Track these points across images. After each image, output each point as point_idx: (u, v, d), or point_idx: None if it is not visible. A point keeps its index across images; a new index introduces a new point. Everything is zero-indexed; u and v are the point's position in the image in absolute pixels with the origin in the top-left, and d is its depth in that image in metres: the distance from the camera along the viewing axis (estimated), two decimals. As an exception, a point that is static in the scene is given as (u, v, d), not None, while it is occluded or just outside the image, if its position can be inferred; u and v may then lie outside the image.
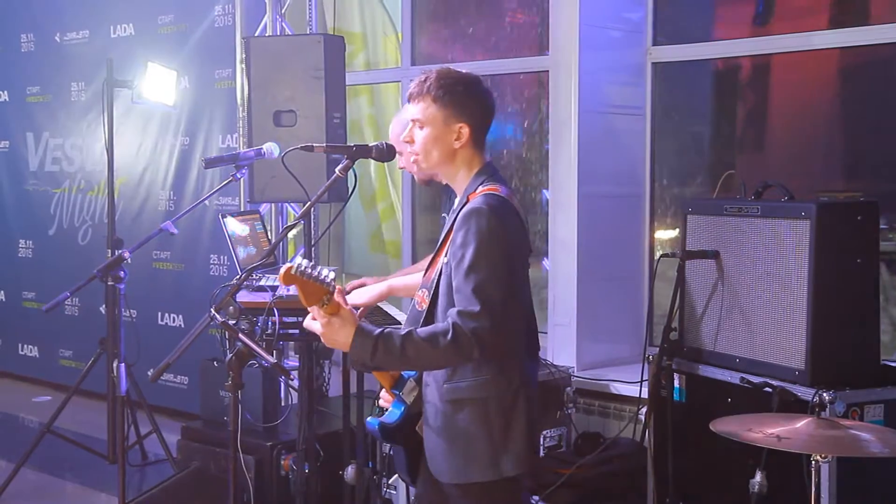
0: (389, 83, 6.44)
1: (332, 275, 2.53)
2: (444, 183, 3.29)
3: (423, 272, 2.87)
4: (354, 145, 2.97)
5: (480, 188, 2.72)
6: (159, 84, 5.38)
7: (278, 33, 5.63)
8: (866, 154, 5.14)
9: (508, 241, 2.66)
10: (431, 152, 2.75)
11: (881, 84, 4.91)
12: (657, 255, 5.08)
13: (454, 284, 2.63)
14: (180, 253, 6.33)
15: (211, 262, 6.15)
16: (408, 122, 3.00)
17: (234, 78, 5.86)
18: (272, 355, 3.02)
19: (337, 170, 2.93)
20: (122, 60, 6.06)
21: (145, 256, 6.34)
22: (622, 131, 5.04)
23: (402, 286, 3.28)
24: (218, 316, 2.82)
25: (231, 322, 2.87)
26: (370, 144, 2.97)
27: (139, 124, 6.53)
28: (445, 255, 2.70)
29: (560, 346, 4.88)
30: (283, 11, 5.71)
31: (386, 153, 2.97)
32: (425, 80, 2.75)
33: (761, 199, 3.66)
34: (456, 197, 2.83)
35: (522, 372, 2.76)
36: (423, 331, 2.61)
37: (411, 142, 2.78)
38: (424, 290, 2.79)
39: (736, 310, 3.64)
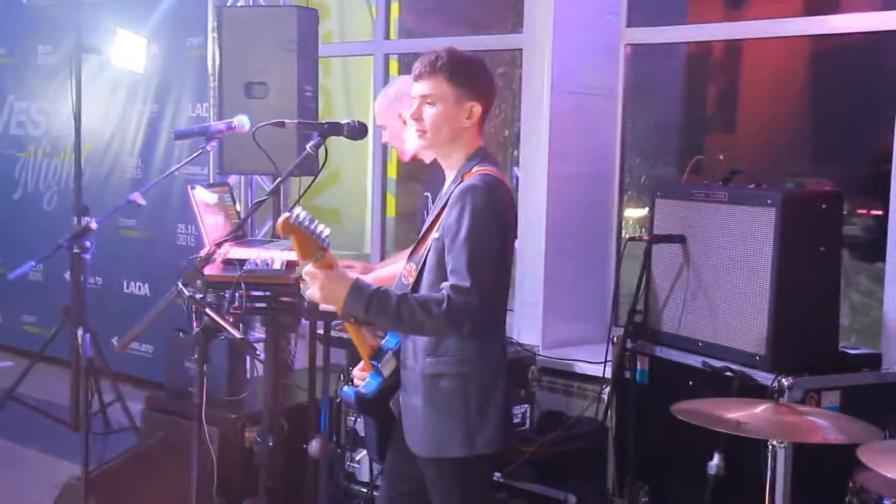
0: (361, 56, 6.43)
1: (327, 231, 2.55)
2: (428, 162, 3.29)
3: (412, 248, 2.89)
4: (326, 122, 2.97)
5: (476, 168, 2.75)
6: (129, 51, 5.32)
7: (251, 3, 5.58)
8: (834, 138, 5.22)
9: (503, 220, 2.70)
10: (441, 129, 2.76)
11: (851, 70, 4.97)
12: (625, 235, 5.15)
13: (448, 259, 2.65)
14: (147, 221, 6.28)
15: (178, 230, 6.12)
16: (393, 98, 3.00)
17: (205, 46, 5.80)
18: (239, 329, 3.02)
19: (308, 147, 2.93)
20: (91, 24, 5.98)
21: (111, 224, 6.25)
22: (594, 112, 5.05)
23: (388, 276, 3.29)
24: (185, 290, 2.81)
25: (198, 296, 2.86)
26: (342, 122, 2.97)
27: (107, 90, 6.45)
28: (437, 231, 2.72)
29: (526, 325, 4.92)
30: (256, -20, 5.65)
31: (358, 131, 2.97)
32: (437, 59, 2.76)
33: (729, 186, 3.69)
34: (445, 177, 2.84)
35: (502, 351, 2.82)
36: (419, 296, 2.65)
37: (419, 119, 2.77)
38: (413, 263, 2.82)
39: (700, 294, 3.68)
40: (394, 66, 6.28)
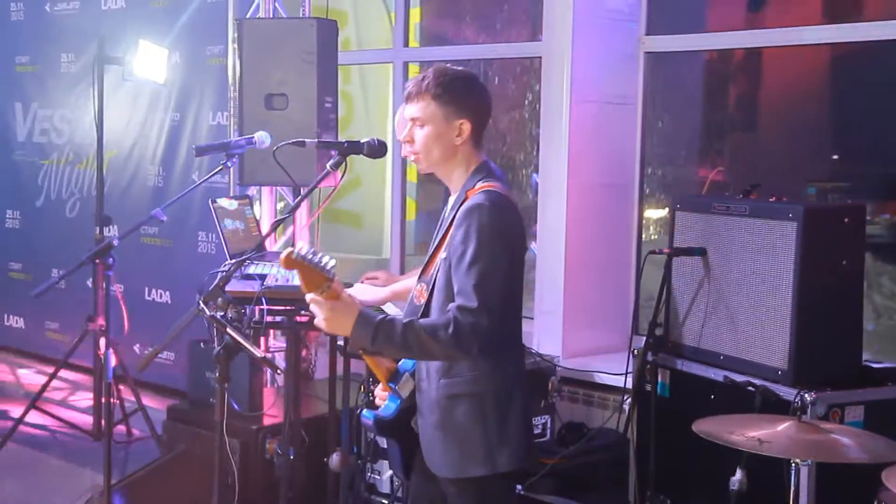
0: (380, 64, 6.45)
1: (332, 262, 2.55)
2: None
3: (422, 267, 2.89)
4: (346, 141, 2.99)
5: (480, 184, 2.73)
6: (150, 62, 5.34)
7: (271, 13, 5.59)
8: (854, 139, 5.19)
9: (509, 237, 2.68)
10: (432, 150, 2.75)
11: (870, 72, 4.94)
12: (645, 242, 5.14)
13: (454, 280, 2.64)
14: (168, 229, 6.27)
15: (199, 238, 6.13)
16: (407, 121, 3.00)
17: (225, 55, 5.81)
18: (260, 345, 3.03)
19: (328, 165, 2.94)
20: (113, 33, 6.01)
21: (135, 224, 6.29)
22: (613, 120, 5.04)
23: (404, 289, 3.30)
24: (206, 309, 2.83)
25: (219, 314, 2.87)
26: (362, 141, 2.98)
27: (129, 98, 6.47)
28: (444, 251, 2.72)
29: (546, 334, 4.91)
30: (276, -9, 5.65)
31: (377, 150, 2.98)
32: (423, 80, 2.75)
33: (749, 199, 3.68)
34: (451, 194, 2.84)
35: (518, 366, 2.81)
36: (424, 321, 2.64)
37: (411, 141, 2.77)
38: (423, 283, 2.81)
39: (721, 307, 3.66)
40: (414, 71, 6.29)
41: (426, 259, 2.86)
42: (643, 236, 5.21)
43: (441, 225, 2.81)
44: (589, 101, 4.93)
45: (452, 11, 6.73)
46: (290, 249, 2.49)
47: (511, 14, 6.20)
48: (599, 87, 4.97)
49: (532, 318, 4.94)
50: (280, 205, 5.80)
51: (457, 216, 2.69)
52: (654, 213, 5.37)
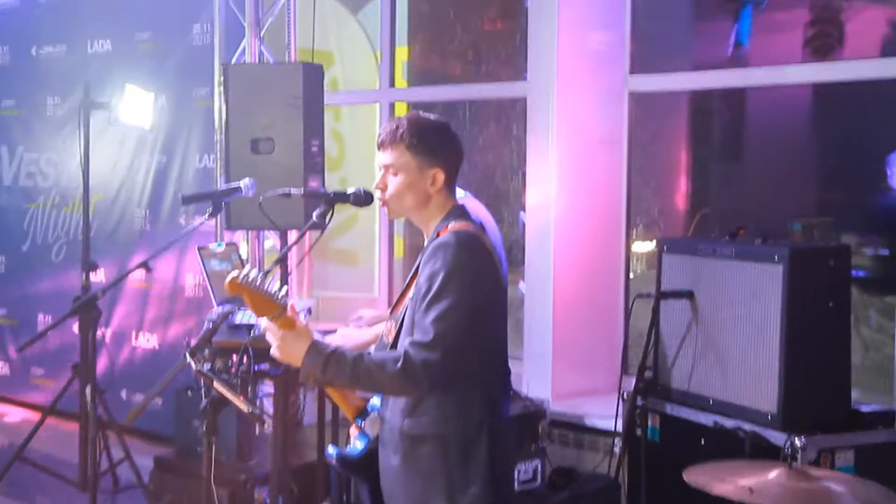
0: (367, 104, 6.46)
1: (284, 290, 2.57)
2: None
3: (393, 306, 2.89)
4: (332, 192, 2.98)
5: (452, 224, 2.74)
6: (136, 106, 5.34)
7: (257, 57, 5.60)
8: (839, 172, 5.22)
9: (475, 275, 2.67)
10: (405, 198, 2.78)
11: (855, 105, 4.99)
12: (634, 277, 5.14)
13: (416, 317, 2.65)
14: (155, 272, 6.26)
15: (186, 282, 6.11)
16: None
17: (212, 97, 5.81)
18: (248, 395, 3.01)
19: (314, 216, 2.94)
20: (100, 76, 6.01)
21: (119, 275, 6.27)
22: (599, 159, 5.05)
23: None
24: (193, 363, 2.81)
25: (206, 366, 2.85)
26: (348, 191, 2.98)
27: (115, 141, 6.45)
28: (413, 289, 2.72)
29: (535, 377, 4.88)
30: (261, 35, 5.66)
31: (363, 199, 2.98)
32: (397, 128, 2.77)
33: (735, 242, 3.68)
34: (425, 238, 2.85)
35: (488, 407, 2.75)
36: (376, 355, 2.66)
37: (384, 188, 2.79)
38: (392, 321, 2.81)
39: (710, 351, 3.66)
40: (401, 110, 6.30)
41: (398, 297, 2.86)
42: (632, 269, 5.21)
43: (415, 265, 2.82)
44: (574, 140, 4.94)
45: (439, 50, 6.76)
46: (233, 273, 2.51)
47: (499, 53, 6.23)
48: (585, 125, 4.99)
49: (520, 359, 4.92)
50: (267, 243, 5.79)
51: (425, 255, 2.71)
52: (643, 247, 5.39)
